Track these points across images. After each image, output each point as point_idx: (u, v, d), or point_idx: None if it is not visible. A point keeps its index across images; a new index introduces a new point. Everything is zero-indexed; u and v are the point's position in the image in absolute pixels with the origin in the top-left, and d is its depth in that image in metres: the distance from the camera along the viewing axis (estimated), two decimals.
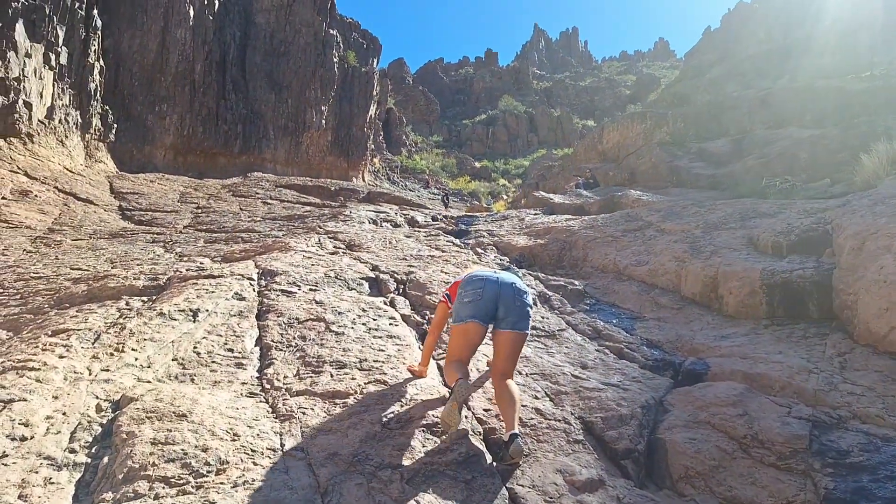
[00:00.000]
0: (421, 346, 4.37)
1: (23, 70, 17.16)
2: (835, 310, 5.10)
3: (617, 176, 18.70)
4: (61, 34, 19.41)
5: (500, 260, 8.00)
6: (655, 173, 17.56)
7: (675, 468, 3.27)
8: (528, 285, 6.36)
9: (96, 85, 22.06)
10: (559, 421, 3.47)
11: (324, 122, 33.96)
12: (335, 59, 34.57)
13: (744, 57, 29.83)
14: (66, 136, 19.74)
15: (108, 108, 23.10)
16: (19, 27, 17.04)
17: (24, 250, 9.52)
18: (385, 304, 5.23)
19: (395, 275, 6.09)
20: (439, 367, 4.03)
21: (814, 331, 4.98)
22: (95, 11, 22.29)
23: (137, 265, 7.23)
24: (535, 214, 11.96)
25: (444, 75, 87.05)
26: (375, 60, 41.48)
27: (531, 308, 3.41)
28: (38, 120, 18.10)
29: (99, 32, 22.51)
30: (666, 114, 22.09)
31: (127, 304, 4.82)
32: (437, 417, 3.09)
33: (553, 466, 3.04)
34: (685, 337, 5.20)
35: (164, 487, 2.32)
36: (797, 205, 8.05)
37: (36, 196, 14.13)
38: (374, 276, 6.02)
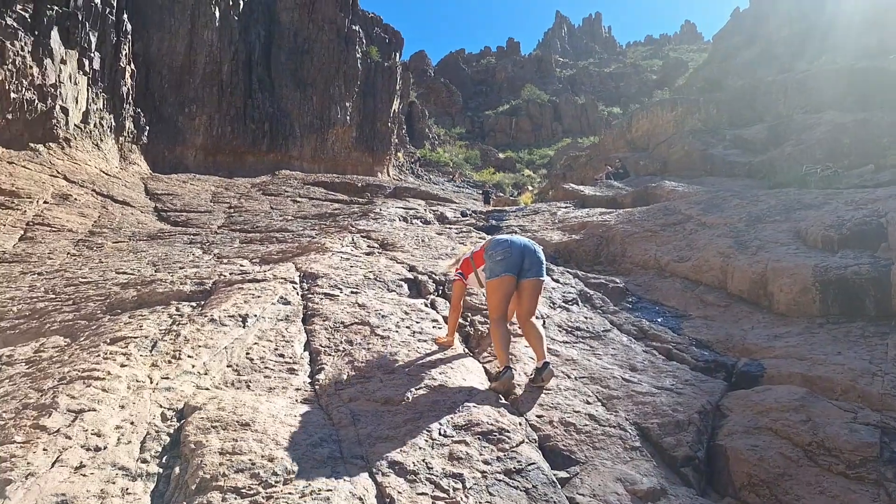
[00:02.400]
0: (466, 350, 4.37)
1: (59, 76, 17.57)
2: (894, 307, 4.93)
3: (648, 165, 18.40)
4: (93, 40, 19.80)
5: None
6: (688, 162, 17.23)
7: (738, 476, 3.18)
8: (566, 283, 6.35)
9: (128, 88, 22.50)
10: (614, 427, 3.42)
11: (348, 118, 34.12)
12: (358, 55, 34.67)
13: (776, 38, 29.04)
14: (101, 140, 20.18)
15: (139, 110, 23.56)
16: (54, 34, 17.43)
17: (68, 253, 9.76)
18: (426, 305, 5.24)
19: (433, 276, 6.10)
20: (485, 370, 4.05)
21: (872, 329, 4.81)
22: (125, 16, 22.70)
23: (180, 268, 7.36)
24: (567, 208, 11.85)
25: (465, 66, 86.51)
26: (398, 54, 41.45)
27: (541, 254, 4.11)
28: (75, 124, 18.53)
29: (129, 37, 22.92)
30: (697, 100, 21.66)
31: (177, 309, 4.91)
32: (491, 425, 3.09)
33: (612, 475, 3.00)
34: (736, 336, 5.09)
35: (236, 498, 2.35)
36: (843, 195, 7.82)
37: (75, 199, 14.47)
38: (412, 277, 6.03)
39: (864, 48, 20.69)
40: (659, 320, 5.63)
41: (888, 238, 5.62)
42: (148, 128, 23.92)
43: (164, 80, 26.54)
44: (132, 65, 23.28)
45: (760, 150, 16.60)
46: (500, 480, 2.70)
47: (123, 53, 22.22)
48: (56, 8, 17.72)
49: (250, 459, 2.59)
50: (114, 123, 21.23)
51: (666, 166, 17.91)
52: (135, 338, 4.06)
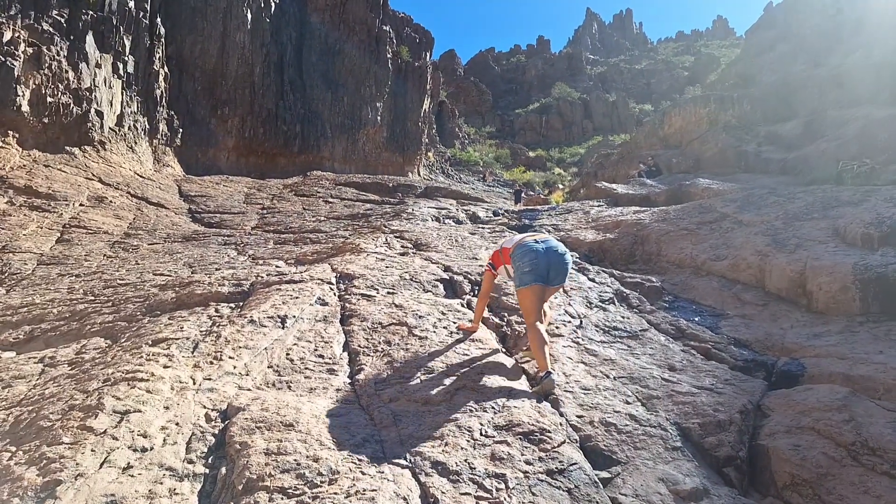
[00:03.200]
0: (503, 350, 4.38)
1: (94, 80, 18.03)
2: None
3: (681, 163, 18.13)
4: (128, 43, 20.29)
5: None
6: (722, 159, 16.94)
7: (780, 476, 3.16)
8: (602, 282, 6.30)
9: (161, 91, 23.00)
10: (655, 427, 3.40)
11: (379, 118, 34.36)
12: (388, 55, 34.87)
13: (809, 32, 28.25)
14: (136, 143, 20.67)
15: (173, 113, 24.07)
16: (89, 38, 17.88)
17: (105, 255, 10.01)
18: (462, 306, 5.25)
19: (468, 276, 6.11)
20: (524, 370, 4.05)
21: None
22: (158, 20, 23.21)
23: (217, 269, 7.52)
24: (600, 206, 11.75)
25: (495, 65, 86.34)
26: (428, 54, 41.57)
27: (570, 265, 4.31)
28: (109, 127, 19.00)
29: (162, 40, 23.42)
30: (730, 96, 21.26)
31: (216, 310, 5.02)
32: (532, 425, 3.09)
33: (654, 475, 2.99)
34: (775, 335, 5.01)
35: (282, 498, 2.40)
36: (882, 192, 7.63)
37: (111, 202, 14.83)
38: (447, 278, 6.06)
39: None
40: (696, 319, 5.56)
41: None
42: (181, 130, 24.43)
43: (196, 82, 27.05)
44: (165, 68, 23.79)
45: (795, 146, 16.25)
46: (542, 481, 2.70)
47: (157, 57, 22.73)
48: (91, 13, 18.20)
49: (295, 460, 2.64)
50: (147, 126, 21.72)
51: (699, 164, 17.63)
52: (176, 339, 4.17)
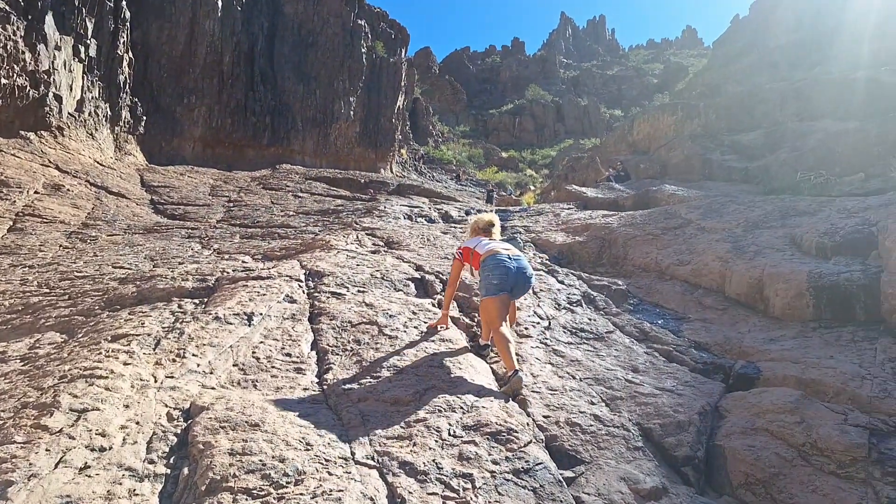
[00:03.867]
0: (473, 350, 4.39)
1: (52, 63, 17.30)
2: (882, 313, 5.08)
3: (648, 168, 18.50)
4: (90, 26, 19.60)
5: (540, 257, 7.98)
6: (687, 166, 17.35)
7: (735, 475, 3.29)
8: (570, 285, 6.40)
9: (125, 77, 22.31)
10: (618, 427, 3.48)
11: (352, 113, 34.06)
12: (363, 50, 34.57)
13: (774, 46, 29.14)
14: (96, 129, 20.01)
15: (136, 100, 23.39)
16: (48, 19, 17.16)
17: (61, 246, 9.67)
18: (433, 305, 5.27)
19: (440, 275, 6.13)
20: (493, 370, 4.09)
21: (862, 334, 4.95)
22: (124, 3, 22.47)
23: (180, 263, 7.35)
24: (569, 209, 11.92)
25: (470, 64, 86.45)
26: (403, 50, 41.34)
27: (532, 279, 4.43)
28: (69, 113, 18.35)
29: (127, 24, 22.70)
30: (697, 105, 21.77)
31: (179, 306, 4.91)
32: (500, 425, 3.13)
33: (616, 474, 3.07)
34: (733, 339, 5.17)
35: (247, 499, 2.37)
36: (836, 203, 7.95)
37: (68, 190, 14.34)
38: (419, 277, 6.06)
39: (858, 59, 20.87)
40: (659, 322, 5.71)
41: (879, 246, 5.74)
42: (145, 118, 23.79)
43: (162, 69, 26.36)
44: (130, 53, 23.08)
45: (757, 155, 16.76)
46: (508, 480, 2.74)
47: (121, 41, 22.02)
48: None
49: (261, 460, 2.61)
50: (109, 113, 21.04)
51: (666, 170, 18.02)
52: (137, 335, 4.06)
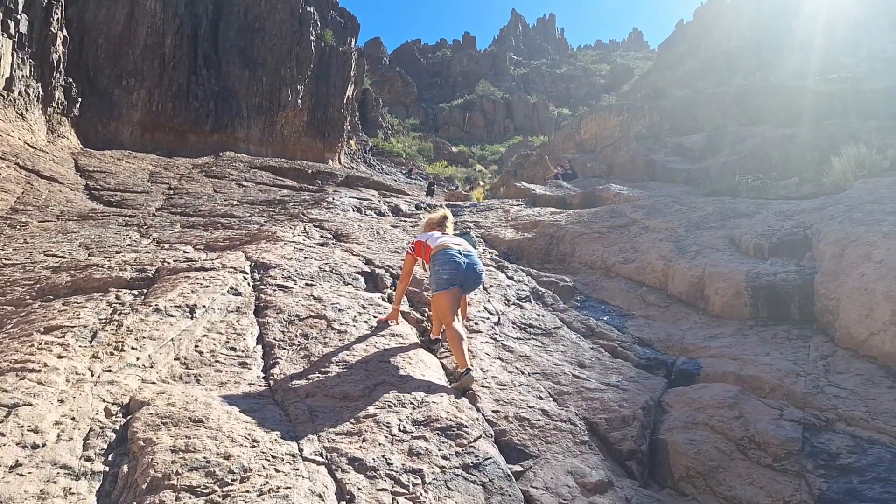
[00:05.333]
0: (423, 345, 4.38)
1: None
2: (815, 313, 5.31)
3: (595, 168, 18.93)
4: (21, 0, 18.47)
5: (490, 253, 8.02)
6: (632, 166, 17.84)
7: (677, 468, 3.39)
8: (520, 281, 6.47)
9: (59, 56, 21.06)
10: (565, 422, 3.55)
11: (299, 101, 33.28)
12: (312, 38, 33.80)
13: (717, 52, 30.33)
14: (27, 110, 18.87)
15: (71, 80, 22.15)
16: None
17: None
18: (383, 300, 5.22)
19: (390, 269, 6.08)
20: (443, 365, 4.10)
21: (796, 332, 5.18)
22: None
23: (117, 252, 7.03)
24: (519, 206, 12.05)
25: (421, 57, 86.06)
26: (353, 40, 40.74)
27: (483, 275, 4.50)
28: None
29: (62, 0, 21.50)
30: (642, 107, 22.40)
31: (117, 297, 4.69)
32: (450, 420, 3.13)
33: (563, 468, 3.12)
34: (675, 336, 5.34)
35: (190, 497, 2.29)
36: (773, 206, 8.30)
37: None
38: (368, 271, 5.99)
39: (795, 68, 21.95)
40: (605, 319, 5.84)
41: (813, 248, 6.04)
42: (80, 100, 22.54)
43: (100, 49, 25.03)
44: (65, 31, 21.82)
45: (698, 157, 17.39)
46: (458, 475, 2.75)
47: (55, 18, 20.78)
48: None
49: (205, 457, 2.53)
50: (42, 93, 19.85)
51: (612, 169, 18.47)
52: (72, 327, 3.86)
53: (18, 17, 18.29)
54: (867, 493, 3.09)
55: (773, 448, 3.41)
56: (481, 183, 34.53)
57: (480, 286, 4.63)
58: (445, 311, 4.13)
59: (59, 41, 21.04)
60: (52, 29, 20.57)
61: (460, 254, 4.28)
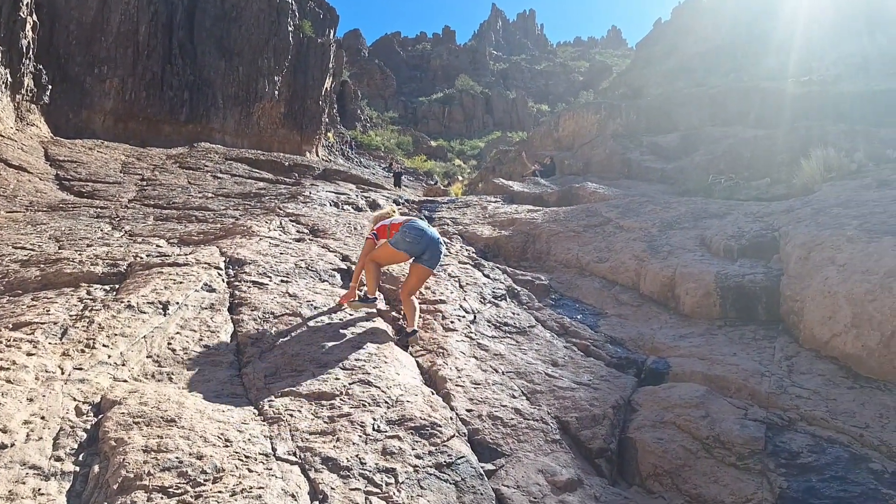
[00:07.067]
0: (398, 343, 4.40)
1: None
2: (781, 314, 5.45)
3: (572, 165, 19.09)
4: None
5: (467, 250, 8.07)
6: (609, 164, 18.04)
7: (645, 466, 3.48)
8: (496, 279, 6.52)
9: (28, 42, 20.46)
10: (537, 421, 3.61)
11: (277, 93, 32.86)
12: (290, 28, 33.38)
13: (693, 52, 30.70)
14: None
15: (41, 67, 21.56)
16: None
17: None
18: (360, 297, 5.22)
19: None
20: (418, 364, 4.13)
21: (762, 333, 5.31)
22: None
23: (89, 246, 6.90)
24: (496, 202, 12.10)
25: (400, 49, 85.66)
26: (332, 31, 40.27)
27: (442, 247, 4.86)
28: None
29: None
30: (619, 105, 22.62)
31: (88, 293, 4.62)
32: (424, 420, 3.17)
33: (535, 467, 3.18)
34: (646, 335, 5.44)
35: (162, 498, 2.29)
36: (743, 206, 8.46)
37: None
38: (345, 268, 5.98)
39: (768, 70, 22.33)
40: (579, 317, 5.92)
41: (780, 250, 6.19)
42: (51, 87, 21.95)
43: (71, 36, 24.40)
44: (34, 16, 21.22)
45: (673, 157, 17.66)
46: (431, 474, 2.79)
47: (24, 2, 20.19)
48: None
49: (177, 457, 2.53)
50: (10, 79, 19.27)
51: (588, 167, 18.65)
52: (42, 323, 3.80)
53: None
54: (825, 492, 3.20)
55: (737, 447, 3.51)
56: (460, 178, 34.58)
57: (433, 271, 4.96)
58: (383, 257, 4.78)
59: (28, 26, 20.44)
60: (22, 14, 19.97)
61: (426, 228, 4.76)
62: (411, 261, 4.81)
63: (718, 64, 26.93)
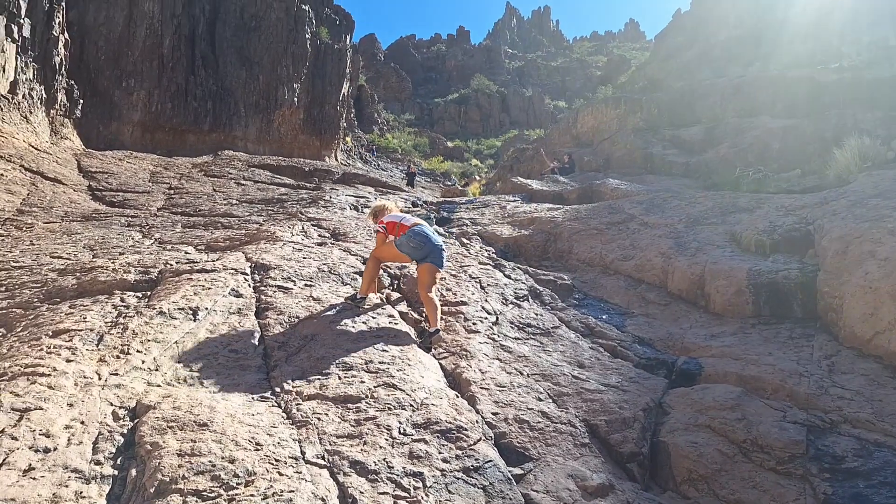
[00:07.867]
0: (421, 346, 4.40)
1: None
2: (819, 311, 5.26)
3: (592, 161, 18.87)
4: (24, 5, 18.40)
5: (486, 250, 8.03)
6: (630, 160, 17.77)
7: (679, 471, 3.38)
8: (517, 279, 6.49)
9: (61, 59, 21.07)
10: (565, 424, 3.57)
11: (296, 99, 33.22)
12: (308, 36, 33.72)
13: (714, 42, 30.12)
14: (31, 112, 18.89)
15: (73, 82, 22.15)
16: None
17: None
18: (381, 300, 5.25)
19: (387, 269, 6.11)
20: (442, 366, 4.13)
21: (799, 331, 5.13)
22: None
23: (121, 254, 7.06)
24: (515, 202, 12.04)
25: (415, 52, 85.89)
26: (348, 37, 40.56)
27: (444, 251, 5.07)
28: (1, 95, 17.29)
29: (63, 3, 21.46)
30: (640, 99, 22.29)
31: (122, 300, 4.73)
32: (449, 423, 3.17)
33: (564, 471, 3.15)
34: (675, 335, 5.34)
35: (197, 501, 2.33)
36: (774, 200, 8.23)
37: (2, 175, 13.52)
38: None
39: (795, 57, 21.74)
40: (604, 317, 5.83)
41: (815, 245, 6.00)
42: (82, 101, 22.53)
43: (100, 51, 25.06)
44: (66, 34, 21.83)
45: (697, 150, 17.30)
46: (458, 479, 2.79)
47: (57, 21, 20.78)
48: None
49: (210, 461, 2.57)
50: (45, 95, 19.86)
51: (609, 163, 18.41)
52: (79, 330, 3.91)
53: (21, 21, 18.29)
54: (874, 498, 3.06)
55: (776, 451, 3.39)
56: (477, 178, 34.47)
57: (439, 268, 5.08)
58: (386, 255, 5.05)
59: (60, 44, 21.03)
60: (54, 32, 20.57)
61: (431, 234, 4.98)
62: (415, 263, 5.02)
63: (742, 53, 26.37)
